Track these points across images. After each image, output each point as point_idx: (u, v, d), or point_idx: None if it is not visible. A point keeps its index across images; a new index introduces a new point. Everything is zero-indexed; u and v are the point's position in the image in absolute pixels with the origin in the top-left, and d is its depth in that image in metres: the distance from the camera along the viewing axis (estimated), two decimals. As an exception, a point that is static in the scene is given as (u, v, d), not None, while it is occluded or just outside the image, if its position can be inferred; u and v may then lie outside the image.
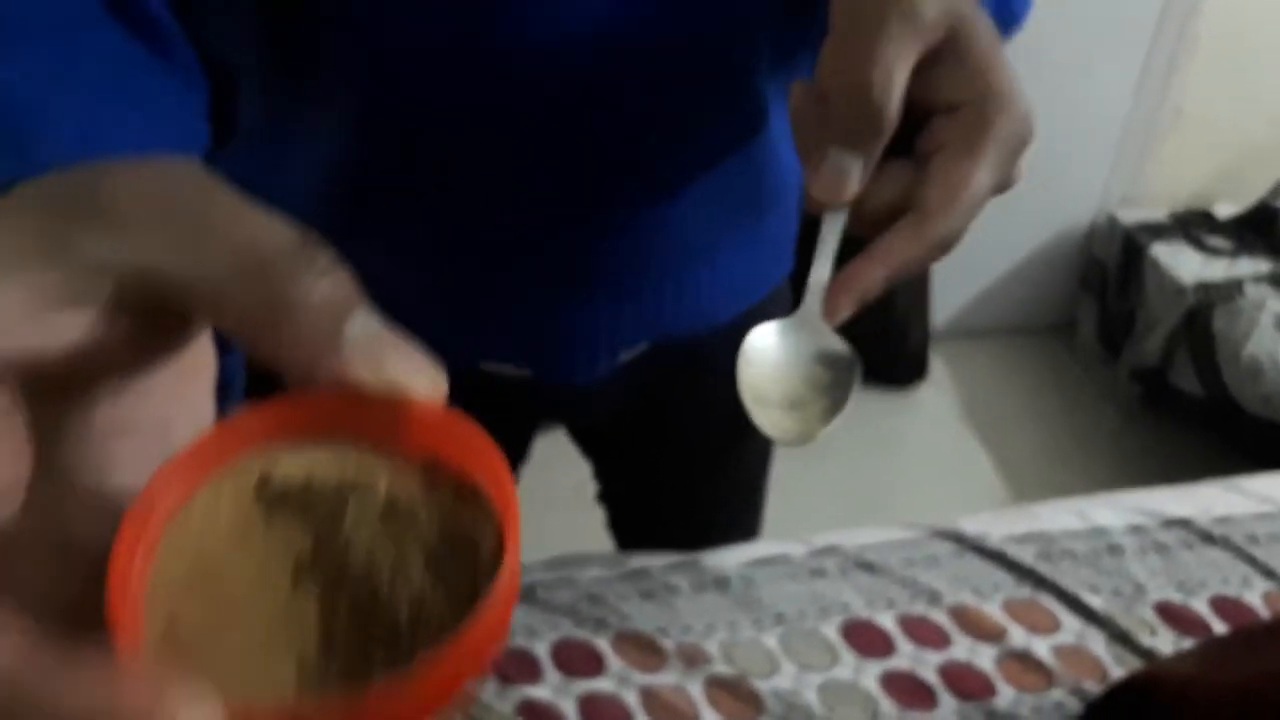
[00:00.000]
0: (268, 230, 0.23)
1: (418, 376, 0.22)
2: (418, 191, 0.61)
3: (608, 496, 0.99)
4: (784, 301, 0.83)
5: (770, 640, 0.87)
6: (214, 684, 0.20)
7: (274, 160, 0.62)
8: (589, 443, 0.93)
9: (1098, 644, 0.90)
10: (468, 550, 0.22)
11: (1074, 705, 0.83)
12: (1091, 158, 2.38)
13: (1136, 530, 1.01)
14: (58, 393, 0.24)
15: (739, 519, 0.99)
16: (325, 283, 0.22)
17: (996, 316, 2.54)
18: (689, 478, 0.92)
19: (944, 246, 0.38)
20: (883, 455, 2.19)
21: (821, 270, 0.40)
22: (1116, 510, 1.03)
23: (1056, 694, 0.85)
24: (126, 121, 0.32)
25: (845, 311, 0.39)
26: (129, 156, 0.25)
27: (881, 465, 2.15)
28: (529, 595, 0.88)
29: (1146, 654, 0.88)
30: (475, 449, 0.23)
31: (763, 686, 0.84)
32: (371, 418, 0.23)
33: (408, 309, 0.69)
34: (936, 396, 2.38)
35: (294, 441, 0.23)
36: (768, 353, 0.41)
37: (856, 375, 0.40)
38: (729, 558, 0.93)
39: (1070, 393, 2.41)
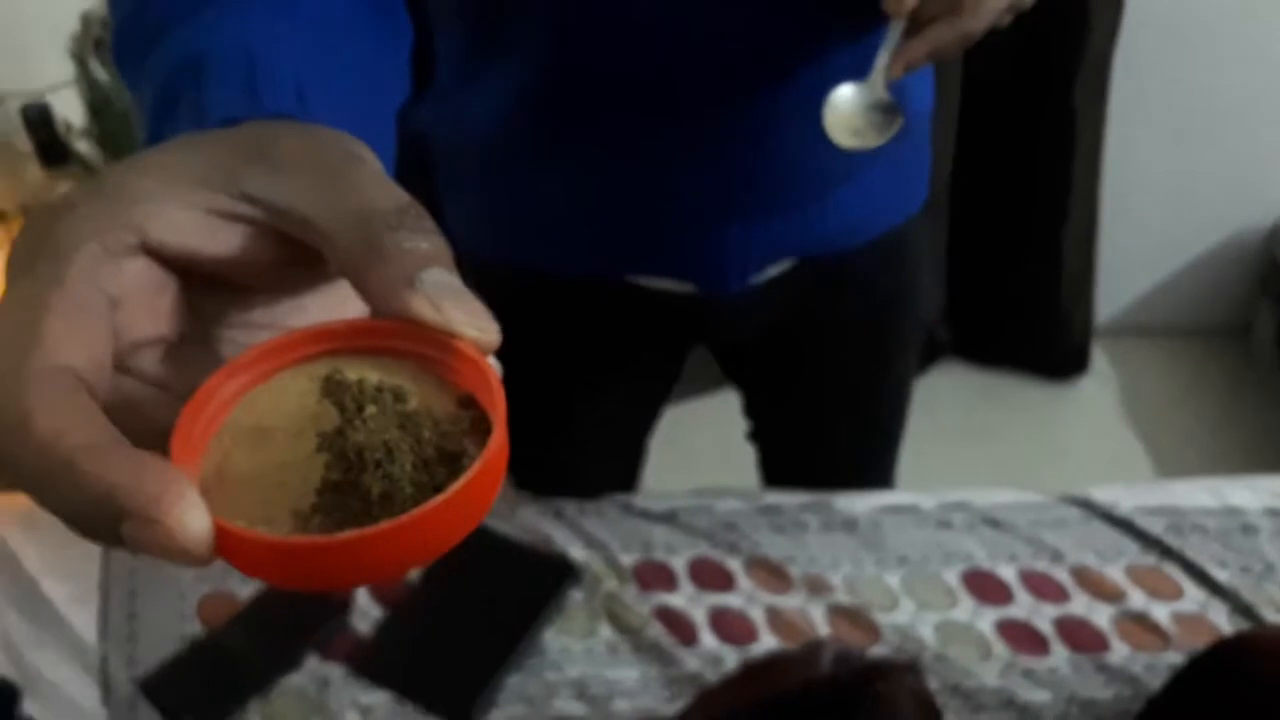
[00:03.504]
0: (385, 191, 0.28)
1: (470, 320, 0.27)
2: (591, 116, 0.70)
3: (757, 434, 1.05)
4: (922, 233, 0.89)
5: (892, 579, 0.93)
6: (228, 510, 0.25)
7: (460, 104, 0.73)
8: (737, 371, 0.99)
9: (1220, 615, 0.92)
10: (455, 461, 0.26)
11: (1188, 668, 0.86)
12: (1281, 154, 2.29)
13: (1274, 513, 1.01)
14: (222, 290, 0.30)
15: (876, 466, 1.04)
16: (417, 237, 0.27)
17: (1165, 315, 2.47)
18: (827, 410, 0.97)
19: (969, 38, 0.58)
20: (1036, 445, 2.17)
21: (884, 53, 0.59)
22: (1254, 492, 1.03)
23: (1171, 656, 0.88)
24: (339, 81, 0.39)
25: (898, 73, 0.59)
26: (327, 118, 0.33)
27: (1033, 455, 2.14)
28: (671, 519, 0.96)
29: (1269, 628, 0.89)
30: (494, 392, 0.27)
31: (881, 619, 0.89)
32: (426, 348, 0.28)
33: (574, 224, 0.79)
34: (1097, 391, 2.33)
35: (366, 352, 0.29)
36: (843, 101, 0.62)
37: (899, 120, 0.61)
38: (859, 502, 0.99)
39: (1242, 400, 2.32)
